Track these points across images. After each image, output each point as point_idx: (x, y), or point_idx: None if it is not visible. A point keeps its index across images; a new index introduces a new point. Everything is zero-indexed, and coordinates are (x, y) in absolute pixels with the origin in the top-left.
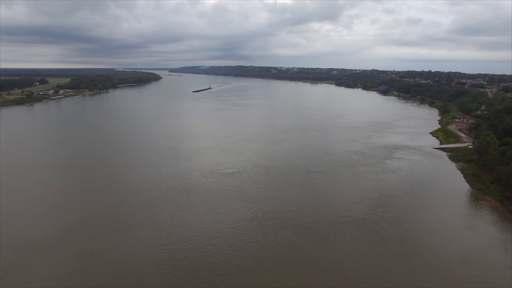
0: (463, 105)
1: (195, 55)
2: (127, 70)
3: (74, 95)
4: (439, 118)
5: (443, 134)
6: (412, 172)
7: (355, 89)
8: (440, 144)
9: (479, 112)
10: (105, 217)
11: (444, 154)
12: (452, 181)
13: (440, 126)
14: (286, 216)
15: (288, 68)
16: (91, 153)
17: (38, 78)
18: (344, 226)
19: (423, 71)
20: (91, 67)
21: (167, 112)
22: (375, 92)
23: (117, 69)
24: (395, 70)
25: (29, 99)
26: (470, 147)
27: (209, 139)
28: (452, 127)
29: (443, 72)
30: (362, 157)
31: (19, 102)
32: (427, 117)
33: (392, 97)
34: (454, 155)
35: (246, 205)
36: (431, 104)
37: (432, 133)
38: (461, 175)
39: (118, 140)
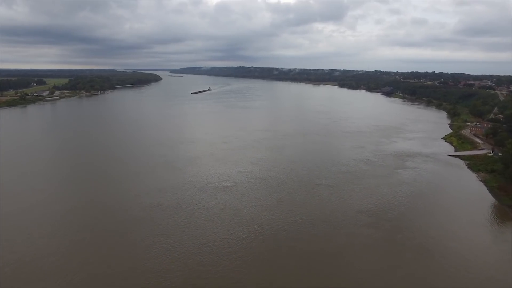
0: (474, 107)
1: (197, 56)
2: (128, 71)
3: (70, 96)
4: (449, 121)
5: (457, 139)
6: (430, 184)
7: (358, 90)
8: (455, 151)
9: (492, 116)
10: (69, 244)
11: (461, 162)
12: (476, 195)
13: (452, 131)
14: (288, 244)
15: (289, 69)
16: (72, 161)
17: (35, 79)
18: (361, 258)
19: (426, 72)
20: (92, 68)
21: (162, 115)
22: (379, 93)
23: (118, 70)
24: (398, 71)
25: (22, 101)
26: (490, 155)
27: (204, 145)
28: (466, 132)
29: (447, 73)
30: (372, 167)
31: (11, 103)
32: (436, 121)
33: (397, 99)
34: (473, 164)
35: (241, 230)
36: (438, 107)
37: (445, 138)
38: (485, 188)
39: (105, 146)
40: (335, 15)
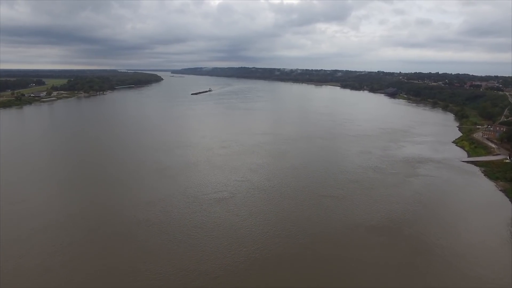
0: (484, 109)
1: (198, 56)
2: (129, 71)
3: (68, 97)
4: (457, 124)
5: (469, 144)
6: (447, 195)
7: (361, 91)
8: (469, 156)
9: (503, 118)
10: (34, 272)
11: (476, 169)
12: (499, 207)
13: (462, 134)
14: (292, 272)
15: (291, 70)
16: (58, 167)
17: (34, 79)
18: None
19: (430, 72)
20: (94, 69)
21: (159, 117)
22: (382, 94)
23: (120, 71)
24: (401, 72)
25: (18, 102)
26: (508, 161)
27: (201, 150)
28: (478, 136)
29: (451, 74)
30: (381, 175)
31: (6, 104)
32: (443, 123)
33: (401, 100)
34: (490, 171)
35: (237, 252)
36: (445, 108)
37: (456, 143)
38: (506, 198)
39: (95, 151)
40: (338, 16)
